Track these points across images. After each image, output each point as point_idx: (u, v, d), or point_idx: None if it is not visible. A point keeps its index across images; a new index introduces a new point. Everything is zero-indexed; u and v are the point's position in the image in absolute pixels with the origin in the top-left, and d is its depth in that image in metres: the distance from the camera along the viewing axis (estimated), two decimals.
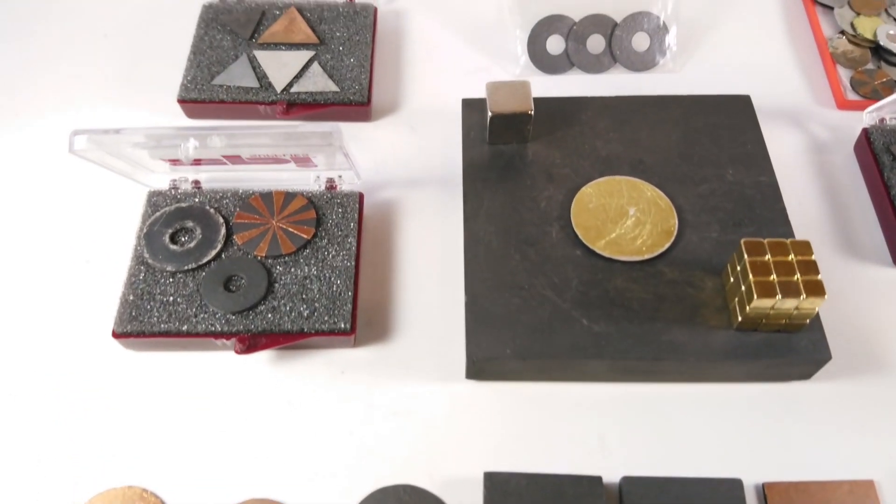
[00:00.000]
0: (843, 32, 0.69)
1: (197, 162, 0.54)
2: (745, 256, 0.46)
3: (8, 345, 0.53)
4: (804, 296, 0.44)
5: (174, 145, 0.46)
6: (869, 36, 0.68)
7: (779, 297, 0.45)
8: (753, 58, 0.69)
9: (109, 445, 0.48)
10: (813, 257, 0.46)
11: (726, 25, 0.71)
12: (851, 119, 0.63)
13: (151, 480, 0.47)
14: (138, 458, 0.48)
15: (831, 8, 0.70)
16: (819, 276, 0.45)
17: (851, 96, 0.65)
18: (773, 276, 0.45)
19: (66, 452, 0.48)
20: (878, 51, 0.68)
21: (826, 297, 0.45)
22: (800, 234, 0.57)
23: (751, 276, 0.45)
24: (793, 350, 0.48)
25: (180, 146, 0.45)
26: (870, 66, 0.67)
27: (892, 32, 0.68)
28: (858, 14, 0.70)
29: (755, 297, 0.45)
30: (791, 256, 0.46)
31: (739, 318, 0.47)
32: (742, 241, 0.47)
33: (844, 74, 0.66)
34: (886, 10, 0.70)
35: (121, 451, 0.48)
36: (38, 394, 0.51)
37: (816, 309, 0.46)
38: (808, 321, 0.47)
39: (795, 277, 0.45)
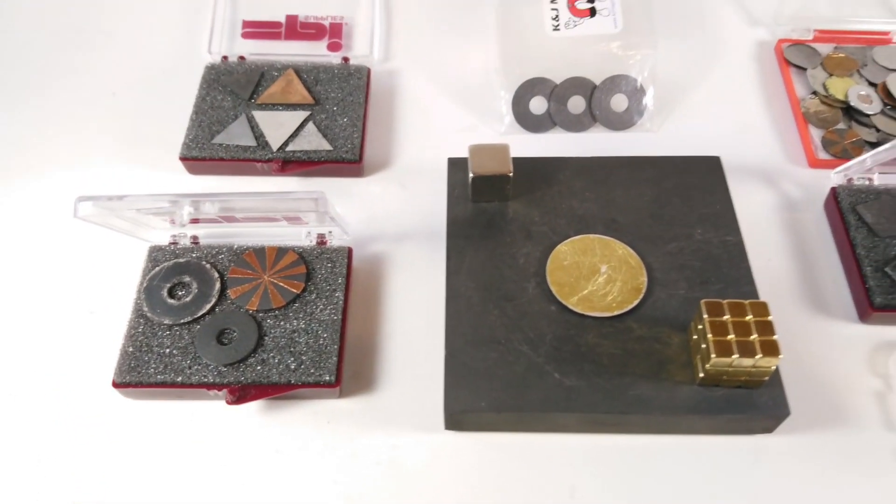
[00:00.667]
0: (815, 93, 0.72)
1: (195, 220, 0.57)
2: (705, 316, 0.49)
3: (15, 389, 0.56)
4: (760, 355, 0.47)
5: (171, 211, 0.49)
6: (840, 96, 0.71)
7: (736, 356, 0.47)
8: (730, 117, 0.72)
9: (106, 489, 0.51)
10: (770, 318, 0.48)
11: (704, 86, 0.74)
12: (822, 178, 0.66)
13: None
14: (128, 491, 0.51)
15: (805, 69, 0.74)
16: (775, 337, 0.48)
17: (822, 155, 0.68)
18: (731, 336, 0.48)
19: (64, 493, 0.51)
20: (849, 111, 0.71)
21: (781, 356, 0.47)
22: (770, 290, 0.60)
23: (709, 335, 0.48)
24: (753, 406, 0.50)
25: (176, 212, 0.49)
26: (841, 125, 0.70)
27: (863, 93, 0.71)
28: (831, 75, 0.73)
29: (713, 355, 0.47)
30: (749, 317, 0.49)
31: (701, 375, 0.50)
32: (702, 302, 0.50)
33: (816, 134, 0.69)
34: (859, 71, 0.73)
35: (117, 496, 0.51)
36: (41, 438, 0.54)
37: (773, 367, 0.48)
38: (766, 378, 0.49)
39: (752, 337, 0.48)
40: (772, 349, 0.47)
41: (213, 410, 0.55)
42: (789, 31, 0.76)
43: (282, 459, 0.53)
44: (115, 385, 0.53)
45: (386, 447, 0.53)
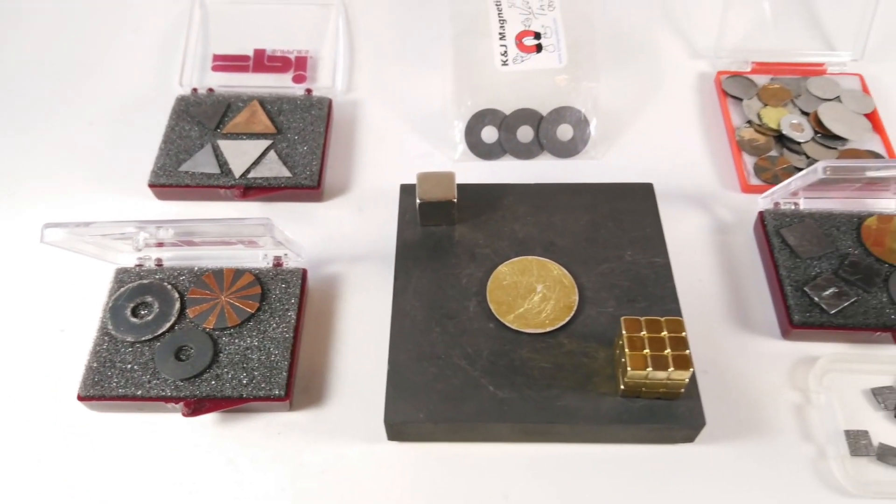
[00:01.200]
0: (750, 122, 0.76)
1: (160, 244, 0.61)
2: (624, 332, 0.53)
3: None
4: (672, 368, 0.51)
5: (130, 236, 0.53)
6: (773, 125, 0.75)
7: (650, 369, 0.51)
8: (670, 145, 0.76)
9: (69, 496, 0.55)
10: (683, 334, 0.52)
11: (646, 116, 0.79)
12: (753, 203, 0.70)
13: None
14: (87, 500, 0.54)
15: (741, 99, 0.78)
16: (687, 352, 0.51)
17: (754, 181, 0.72)
18: (647, 351, 0.52)
19: (30, 500, 0.55)
20: (781, 139, 0.75)
21: (692, 370, 0.51)
22: (699, 308, 0.64)
23: (627, 349, 0.52)
24: (671, 416, 0.54)
25: (134, 238, 0.53)
26: (773, 153, 0.74)
27: (795, 122, 0.75)
28: (766, 105, 0.77)
29: (629, 368, 0.51)
30: (664, 333, 0.52)
31: (622, 387, 0.54)
32: (622, 319, 0.53)
33: (749, 161, 0.74)
34: (793, 101, 0.78)
35: (71, 495, 0.54)
36: (9, 447, 0.57)
37: (686, 380, 0.52)
38: (682, 390, 0.53)
39: (666, 352, 0.51)
40: (683, 363, 0.51)
41: (170, 422, 0.58)
42: (729, 64, 0.81)
43: (233, 469, 0.56)
44: (80, 398, 0.57)
45: (332, 457, 0.57)
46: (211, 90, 0.78)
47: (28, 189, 0.74)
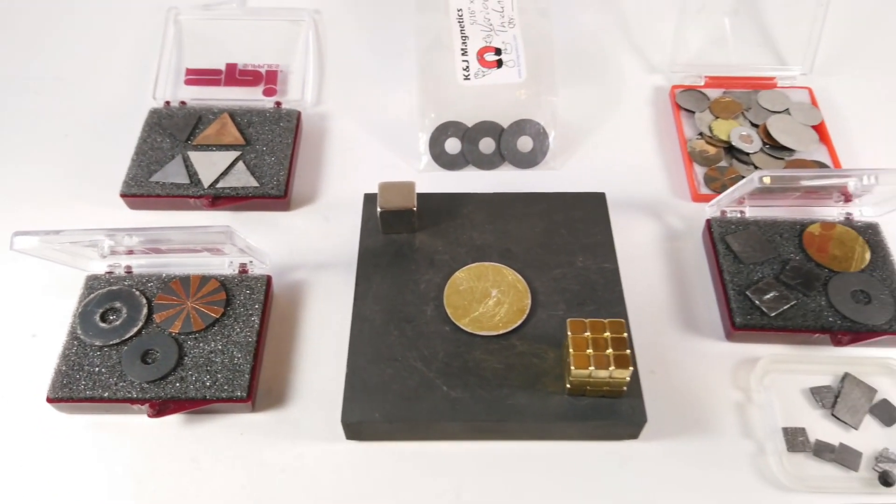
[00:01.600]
0: (701, 134, 0.80)
1: (130, 252, 0.64)
2: (569, 333, 0.55)
3: None
4: (613, 367, 0.53)
5: (95, 243, 0.55)
6: (724, 137, 0.78)
7: (592, 368, 0.54)
8: (625, 156, 0.79)
9: (28, 487, 0.57)
10: (624, 335, 0.55)
11: (603, 128, 0.82)
12: (702, 211, 0.73)
13: None
14: (56, 500, 0.56)
15: (694, 112, 0.81)
16: (627, 351, 0.54)
17: (704, 191, 0.75)
18: (590, 351, 0.54)
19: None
20: (731, 150, 0.78)
21: (631, 368, 0.54)
22: (648, 312, 0.67)
23: (571, 349, 0.54)
24: (615, 413, 0.56)
25: (98, 244, 0.55)
26: (723, 163, 0.77)
27: (744, 133, 0.79)
28: (717, 117, 0.80)
29: (572, 367, 0.54)
30: (606, 334, 0.55)
31: (568, 385, 0.56)
32: (568, 321, 0.56)
33: (700, 171, 0.77)
34: (743, 114, 0.81)
35: (39, 494, 0.56)
36: None
37: (626, 378, 0.54)
38: (625, 388, 0.56)
39: (607, 352, 0.54)
40: (624, 362, 0.54)
41: (136, 423, 0.60)
42: (683, 78, 0.84)
43: (197, 467, 0.58)
44: (49, 400, 0.59)
45: (292, 456, 0.59)
46: (183, 103, 0.80)
47: (2, 198, 0.76)
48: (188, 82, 0.83)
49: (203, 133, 0.77)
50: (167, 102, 0.80)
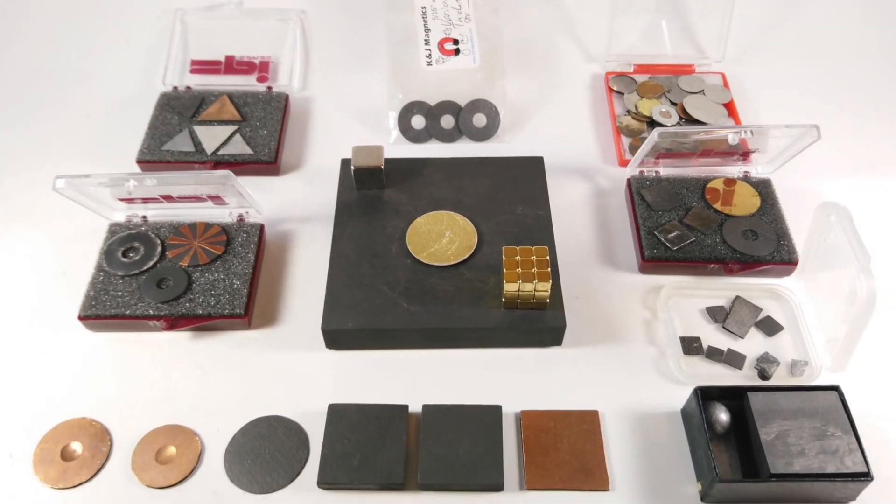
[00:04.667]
0: (629, 111, 0.94)
1: (145, 201, 0.77)
2: (504, 257, 0.69)
3: (5, 328, 0.75)
4: (537, 281, 0.67)
5: (121, 184, 0.69)
6: (647, 113, 0.93)
7: (520, 282, 0.67)
8: (564, 130, 0.93)
9: (66, 389, 0.70)
10: (547, 258, 0.68)
11: (547, 107, 0.96)
12: (626, 174, 0.87)
13: (98, 413, 0.68)
14: (89, 398, 0.69)
15: (623, 94, 0.96)
16: (548, 269, 0.68)
17: (629, 157, 0.89)
18: (519, 269, 0.68)
19: (32, 397, 0.69)
20: (652, 124, 0.92)
21: (551, 282, 0.67)
22: (576, 252, 0.80)
23: (504, 269, 0.68)
24: (540, 321, 0.70)
25: (124, 185, 0.69)
26: (644, 135, 0.91)
27: (663, 110, 0.93)
28: (642, 98, 0.95)
29: (505, 283, 0.67)
30: (533, 257, 0.69)
31: (503, 300, 0.70)
32: (503, 248, 0.70)
33: (626, 142, 0.91)
34: (665, 94, 0.95)
35: (75, 394, 0.70)
36: (20, 357, 0.72)
37: (548, 291, 0.68)
38: (548, 301, 0.69)
39: (533, 270, 0.68)
40: (545, 277, 0.67)
41: (152, 338, 0.73)
42: (616, 66, 0.98)
43: (203, 371, 0.71)
44: (80, 318, 0.72)
45: (281, 362, 0.72)
46: (189, 88, 0.94)
47: (39, 167, 0.89)
48: (193, 71, 0.97)
49: (206, 111, 0.90)
50: (175, 87, 0.94)
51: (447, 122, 0.92)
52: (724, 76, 0.98)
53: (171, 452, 0.66)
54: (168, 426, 0.67)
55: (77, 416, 0.68)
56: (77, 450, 0.66)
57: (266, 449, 0.66)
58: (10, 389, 0.70)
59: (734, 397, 0.66)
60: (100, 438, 0.67)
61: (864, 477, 0.60)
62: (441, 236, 0.77)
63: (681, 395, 0.69)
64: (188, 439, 0.66)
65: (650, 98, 0.95)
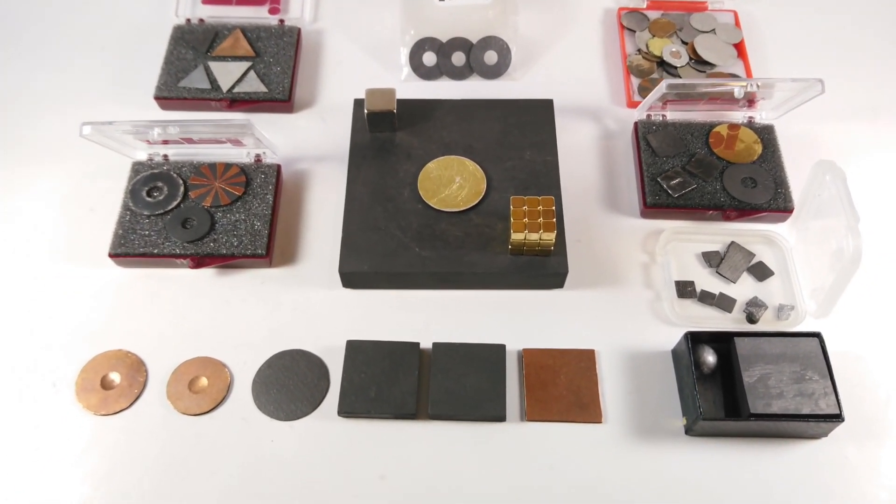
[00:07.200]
0: (639, 50, 0.94)
1: (165, 142, 0.80)
2: (512, 207, 0.72)
3: (34, 260, 0.79)
4: (542, 231, 0.71)
5: (146, 132, 0.72)
6: (657, 53, 0.93)
7: (526, 231, 0.71)
8: (575, 69, 0.94)
9: (102, 323, 0.75)
10: (552, 208, 0.72)
11: (558, 45, 0.96)
12: (634, 116, 0.89)
13: (132, 345, 0.74)
14: (124, 330, 0.75)
15: (634, 31, 0.96)
16: (553, 220, 0.71)
17: (637, 98, 0.91)
18: (525, 219, 0.72)
19: (70, 330, 0.75)
20: (662, 64, 0.93)
21: (555, 232, 0.71)
22: (582, 195, 0.83)
23: (511, 218, 0.72)
24: (545, 266, 0.74)
25: (149, 132, 0.71)
26: (654, 76, 0.92)
27: (674, 50, 0.93)
28: (653, 36, 0.95)
29: (512, 232, 0.71)
30: (539, 207, 0.72)
31: (510, 246, 0.74)
32: (511, 197, 0.73)
33: (636, 82, 0.92)
34: (676, 33, 0.95)
35: (110, 327, 0.75)
36: (53, 291, 0.77)
37: (552, 240, 0.72)
38: (552, 248, 0.73)
39: (539, 220, 0.71)
40: (550, 227, 0.71)
41: (180, 275, 0.78)
42: (629, 1, 0.98)
43: (228, 307, 0.77)
44: (111, 256, 0.77)
45: (301, 299, 0.77)
46: (202, 20, 0.94)
47: (60, 102, 0.91)
48: (205, 2, 0.97)
49: (220, 46, 0.91)
50: (188, 20, 0.94)
51: (458, 59, 0.93)
52: (736, 14, 0.97)
53: (202, 383, 0.72)
54: (199, 358, 0.73)
55: (113, 348, 0.74)
56: (115, 379, 0.72)
57: (290, 380, 0.72)
58: (49, 323, 0.76)
59: (722, 340, 0.71)
60: (136, 369, 0.73)
61: (836, 418, 0.66)
62: (451, 182, 0.80)
63: (673, 337, 0.74)
64: (218, 370, 0.72)
65: (661, 37, 0.95)
